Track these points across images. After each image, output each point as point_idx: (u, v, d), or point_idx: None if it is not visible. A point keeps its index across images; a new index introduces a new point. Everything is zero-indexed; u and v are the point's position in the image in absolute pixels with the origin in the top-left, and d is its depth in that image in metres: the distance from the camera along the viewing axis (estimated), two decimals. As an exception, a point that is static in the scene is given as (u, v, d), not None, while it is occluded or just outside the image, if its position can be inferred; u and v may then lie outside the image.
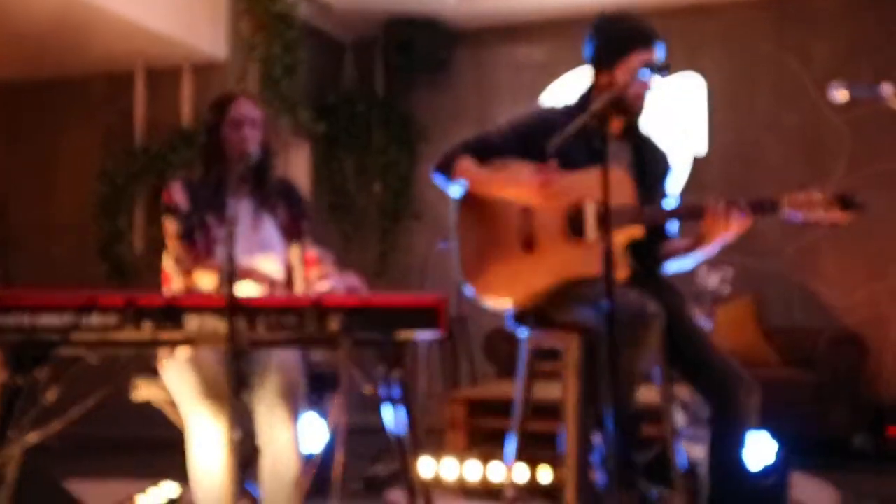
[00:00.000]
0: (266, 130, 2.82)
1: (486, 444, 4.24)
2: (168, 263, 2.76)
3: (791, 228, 5.60)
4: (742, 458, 2.46)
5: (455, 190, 2.68)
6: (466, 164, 2.62)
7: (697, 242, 2.60)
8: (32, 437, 2.15)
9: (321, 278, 2.77)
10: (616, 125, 2.66)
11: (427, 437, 4.64)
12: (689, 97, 6.00)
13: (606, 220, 2.17)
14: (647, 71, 2.45)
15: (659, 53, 2.58)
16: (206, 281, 2.66)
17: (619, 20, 2.64)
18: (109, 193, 5.57)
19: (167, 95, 5.59)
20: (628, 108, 2.60)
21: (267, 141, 2.81)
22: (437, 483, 3.83)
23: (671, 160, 2.82)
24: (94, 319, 2.12)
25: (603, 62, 2.63)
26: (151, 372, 2.67)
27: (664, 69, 2.46)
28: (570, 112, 2.64)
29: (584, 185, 2.54)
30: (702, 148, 5.97)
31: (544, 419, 3.71)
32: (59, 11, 4.68)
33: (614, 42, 2.60)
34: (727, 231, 2.47)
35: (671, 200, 2.74)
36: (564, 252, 2.57)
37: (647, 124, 2.76)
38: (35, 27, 4.98)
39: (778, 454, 3.37)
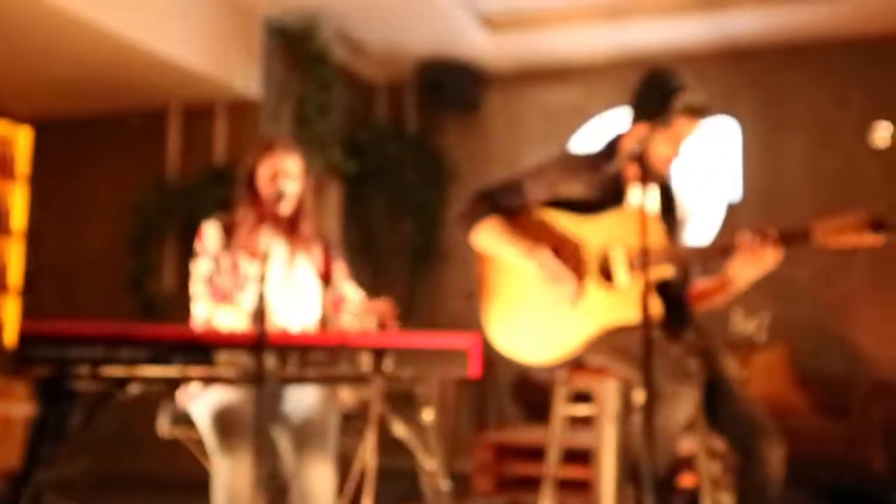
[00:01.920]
0: (304, 181, 2.83)
1: (513, 489, 4.17)
2: (194, 308, 2.74)
3: (826, 275, 5.52)
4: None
5: (477, 244, 2.66)
6: (490, 226, 2.59)
7: (726, 282, 2.55)
8: (59, 472, 2.12)
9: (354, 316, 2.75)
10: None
11: (454, 481, 4.57)
12: (723, 142, 5.96)
13: (643, 262, 2.13)
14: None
15: (698, 127, 2.53)
16: (228, 317, 2.64)
17: (675, 80, 2.51)
18: (141, 229, 5.62)
19: (201, 133, 5.65)
20: (651, 171, 2.54)
21: (303, 193, 2.82)
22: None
23: (694, 207, 2.79)
24: (125, 353, 2.10)
25: (645, 115, 2.53)
26: (179, 407, 2.64)
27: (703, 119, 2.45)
28: (596, 158, 2.63)
29: (611, 229, 2.52)
30: (736, 193, 5.92)
31: (575, 465, 3.65)
32: (97, 49, 4.76)
33: (662, 95, 2.47)
34: (759, 266, 2.41)
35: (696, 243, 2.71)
36: (596, 301, 2.52)
37: (675, 172, 2.73)
38: (71, 64, 5.07)
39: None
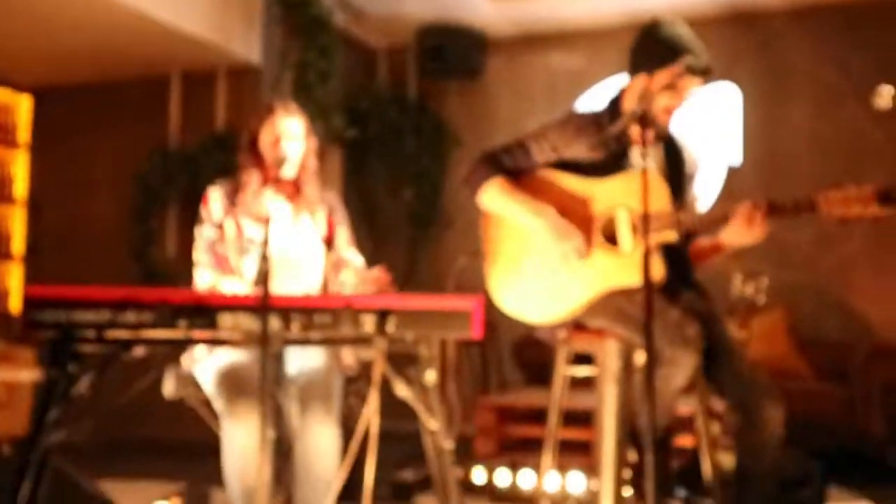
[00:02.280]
0: (307, 142, 2.84)
1: (515, 451, 4.22)
2: (197, 275, 2.76)
3: (826, 240, 5.53)
4: (769, 471, 2.42)
5: (483, 204, 2.67)
6: (496, 185, 2.61)
7: (719, 245, 2.56)
8: (64, 435, 2.15)
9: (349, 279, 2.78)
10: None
11: (456, 443, 4.62)
12: (723, 107, 5.95)
13: (644, 228, 2.14)
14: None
15: (702, 73, 2.51)
16: (231, 287, 2.66)
17: (673, 27, 2.54)
18: (144, 196, 5.62)
19: (202, 99, 5.64)
20: (653, 122, 2.51)
21: (306, 153, 2.83)
22: (466, 490, 3.81)
23: (699, 162, 2.78)
24: (130, 316, 2.13)
25: (644, 65, 2.55)
26: (184, 370, 2.68)
27: (706, 74, 2.44)
28: (600, 116, 2.63)
29: (616, 191, 2.52)
30: (736, 158, 5.91)
31: (575, 427, 3.69)
32: (97, 16, 4.74)
33: (662, 48, 2.50)
34: (750, 236, 2.41)
35: (700, 202, 2.71)
36: (600, 263, 2.53)
37: (678, 127, 2.73)
38: (72, 32, 5.05)
39: (813, 468, 3.32)
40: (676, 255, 2.60)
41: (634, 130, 2.54)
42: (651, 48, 2.53)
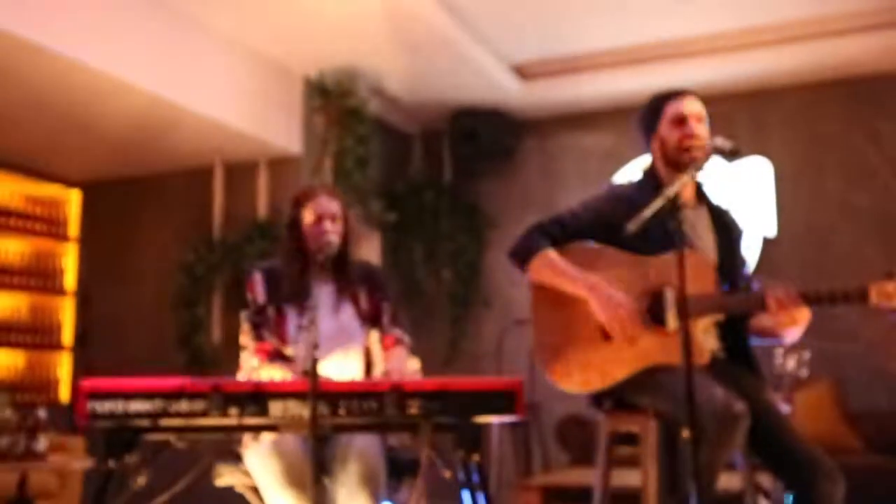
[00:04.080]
0: (346, 221, 2.91)
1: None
2: (243, 359, 2.81)
3: (870, 309, 5.47)
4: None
5: (531, 275, 2.71)
6: (545, 257, 2.63)
7: (775, 331, 2.58)
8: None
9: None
10: (688, 193, 2.69)
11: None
12: (756, 180, 5.99)
13: (683, 310, 2.16)
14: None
15: (692, 105, 2.69)
16: (275, 376, 2.69)
17: (653, 94, 2.79)
18: (189, 284, 5.73)
19: (244, 189, 5.78)
20: (681, 159, 2.63)
21: (346, 232, 2.90)
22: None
23: (742, 224, 2.83)
24: (183, 405, 2.19)
25: (649, 130, 2.75)
26: (235, 457, 2.72)
27: (688, 93, 2.69)
28: (640, 186, 2.70)
29: (664, 269, 2.53)
30: (771, 230, 5.93)
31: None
32: (143, 111, 4.92)
33: (649, 108, 2.76)
34: (793, 324, 2.44)
35: (748, 271, 2.74)
36: (644, 341, 2.53)
37: (716, 193, 2.79)
38: (119, 127, 5.24)
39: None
40: (732, 329, 2.61)
41: (678, 206, 2.58)
42: (644, 116, 2.78)
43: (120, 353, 6.01)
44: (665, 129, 2.68)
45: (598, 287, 2.55)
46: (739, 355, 2.64)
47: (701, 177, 2.72)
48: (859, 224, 5.74)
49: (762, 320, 2.63)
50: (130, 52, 4.50)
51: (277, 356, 2.77)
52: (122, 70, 4.43)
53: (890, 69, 5.70)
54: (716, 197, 2.82)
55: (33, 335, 6.13)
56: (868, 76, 5.78)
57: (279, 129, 5.56)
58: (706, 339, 2.56)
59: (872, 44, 5.39)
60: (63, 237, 6.40)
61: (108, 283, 6.27)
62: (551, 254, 2.63)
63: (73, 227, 6.47)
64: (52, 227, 6.34)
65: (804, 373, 3.60)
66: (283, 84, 5.62)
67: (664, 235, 2.52)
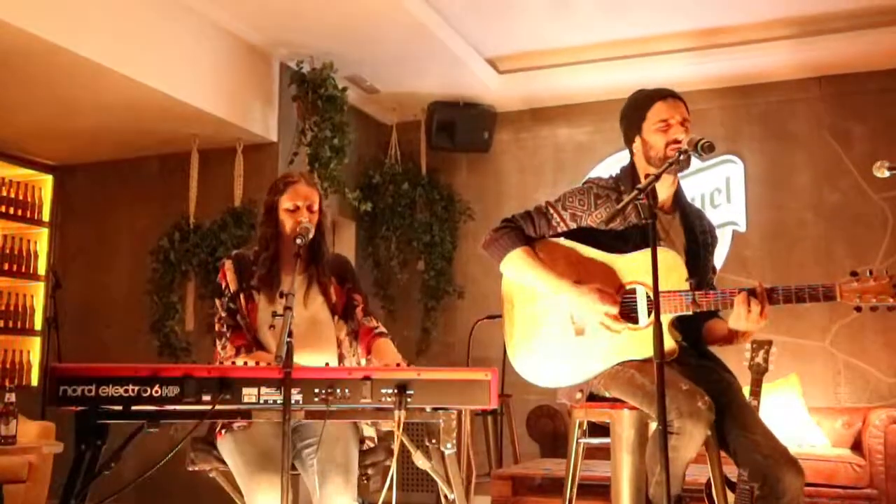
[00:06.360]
0: (321, 212, 2.92)
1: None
2: (219, 346, 2.81)
3: (834, 306, 5.56)
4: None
5: (504, 272, 2.73)
6: (517, 256, 2.66)
7: (733, 333, 2.62)
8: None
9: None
10: (665, 195, 2.71)
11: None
12: (727, 175, 6.05)
13: (656, 307, 2.19)
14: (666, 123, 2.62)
15: (677, 109, 2.66)
16: (248, 359, 2.70)
17: (639, 91, 2.77)
18: (163, 270, 5.70)
19: (220, 175, 5.75)
20: (664, 164, 2.58)
21: (321, 221, 2.91)
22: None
23: (716, 231, 2.87)
24: (155, 391, 2.19)
25: (632, 130, 2.73)
26: (208, 443, 2.72)
27: (673, 96, 2.66)
28: (616, 182, 2.72)
29: (637, 266, 2.57)
30: (741, 225, 6.00)
31: (591, 497, 3.69)
32: (119, 96, 4.87)
33: (634, 107, 2.73)
34: (751, 325, 2.47)
35: (714, 275, 2.78)
36: (615, 336, 2.57)
37: (692, 196, 2.81)
38: (94, 111, 5.19)
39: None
40: (689, 326, 2.66)
41: (655, 199, 2.60)
42: (629, 114, 2.74)
43: (92, 339, 5.98)
44: (649, 132, 2.66)
45: (570, 284, 2.58)
46: (697, 347, 2.68)
47: (679, 179, 2.75)
48: (828, 221, 5.82)
49: (718, 328, 2.68)
50: (108, 36, 4.46)
51: (253, 346, 2.77)
52: (98, 54, 4.39)
53: (860, 69, 5.77)
54: (692, 203, 2.84)
55: (5, 319, 6.08)
56: (839, 76, 5.86)
57: (256, 116, 5.54)
58: (670, 332, 2.60)
59: (844, 44, 5.47)
60: (36, 221, 6.34)
61: (82, 267, 6.22)
62: (525, 250, 2.66)
63: (46, 212, 6.41)
64: (25, 211, 6.28)
65: (770, 367, 3.65)
66: (260, 71, 5.60)
67: (637, 233, 2.56)
